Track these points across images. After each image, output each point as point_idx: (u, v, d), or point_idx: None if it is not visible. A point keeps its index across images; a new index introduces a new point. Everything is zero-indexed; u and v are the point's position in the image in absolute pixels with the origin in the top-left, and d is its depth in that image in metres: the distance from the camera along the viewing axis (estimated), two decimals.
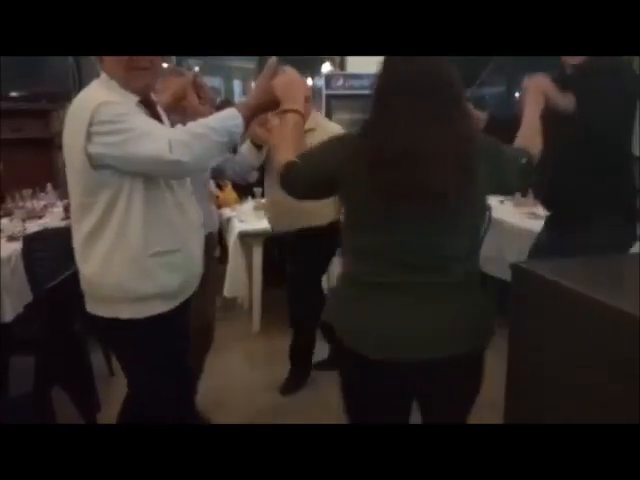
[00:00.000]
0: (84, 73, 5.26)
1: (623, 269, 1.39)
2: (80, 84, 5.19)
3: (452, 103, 1.25)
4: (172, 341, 1.51)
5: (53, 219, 3.57)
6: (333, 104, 5.08)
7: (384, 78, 1.27)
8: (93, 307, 1.47)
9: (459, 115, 1.25)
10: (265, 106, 1.40)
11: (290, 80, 1.38)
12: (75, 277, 2.20)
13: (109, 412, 2.38)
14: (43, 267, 2.48)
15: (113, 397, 2.57)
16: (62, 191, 4.41)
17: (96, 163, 1.31)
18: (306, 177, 1.32)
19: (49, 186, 4.31)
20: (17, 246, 2.68)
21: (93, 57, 1.48)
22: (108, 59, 1.39)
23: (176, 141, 1.28)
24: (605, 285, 1.22)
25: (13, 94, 4.63)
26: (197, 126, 1.34)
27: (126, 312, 1.41)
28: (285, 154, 1.33)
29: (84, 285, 1.47)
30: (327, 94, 5.28)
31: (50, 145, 5.11)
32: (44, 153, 5.06)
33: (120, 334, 1.46)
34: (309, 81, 6.28)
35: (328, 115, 5.40)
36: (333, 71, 5.54)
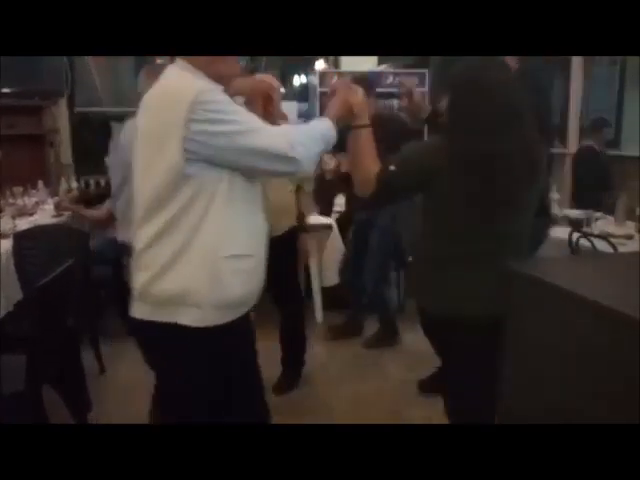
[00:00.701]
0: (77, 70, 5.22)
1: (618, 269, 1.39)
2: (73, 81, 5.15)
3: (525, 112, 1.46)
4: (225, 357, 1.39)
5: (44, 216, 3.54)
6: (327, 101, 5.06)
7: (462, 86, 1.49)
8: (145, 312, 1.33)
9: (530, 123, 1.46)
10: (343, 119, 1.48)
11: (362, 98, 1.50)
12: (67, 274, 2.20)
13: (100, 411, 2.37)
14: (34, 265, 2.46)
15: (104, 396, 2.55)
16: (53, 188, 4.38)
17: (190, 156, 1.23)
18: (407, 182, 1.51)
19: (40, 183, 4.27)
20: (7, 244, 2.65)
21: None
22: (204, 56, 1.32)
23: (295, 140, 1.28)
24: (603, 286, 1.22)
25: (6, 90, 4.59)
26: (310, 130, 1.36)
27: (186, 317, 1.28)
28: (374, 164, 1.50)
29: (138, 290, 1.33)
30: (321, 91, 5.28)
31: (42, 142, 5.07)
32: (36, 150, 5.02)
33: (171, 341, 1.32)
34: (303, 79, 6.28)
35: (322, 112, 5.38)
36: (327, 69, 5.54)
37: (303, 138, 1.30)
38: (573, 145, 5.30)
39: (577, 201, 3.72)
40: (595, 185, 3.86)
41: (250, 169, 1.31)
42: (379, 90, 4.44)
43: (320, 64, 5.69)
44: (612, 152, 4.38)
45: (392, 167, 1.49)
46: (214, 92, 1.26)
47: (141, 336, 1.37)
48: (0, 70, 4.12)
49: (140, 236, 1.33)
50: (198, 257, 1.27)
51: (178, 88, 1.27)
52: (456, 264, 1.50)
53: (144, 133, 1.31)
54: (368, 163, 1.51)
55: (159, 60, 2.51)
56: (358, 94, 1.49)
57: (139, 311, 1.34)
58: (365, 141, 1.51)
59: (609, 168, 4.24)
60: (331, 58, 5.58)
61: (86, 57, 5.35)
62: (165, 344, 1.34)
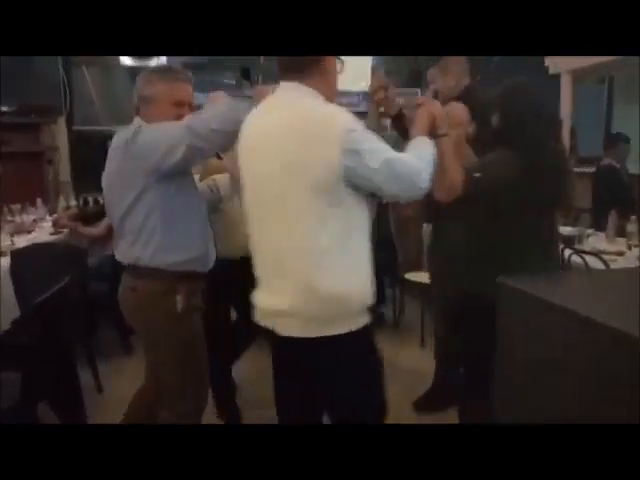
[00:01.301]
0: (75, 89, 5.29)
1: (602, 284, 1.43)
2: (72, 99, 5.21)
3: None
4: (375, 351, 1.53)
5: (42, 234, 3.56)
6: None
7: (526, 110, 1.75)
8: (323, 328, 1.36)
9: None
10: (428, 131, 1.53)
11: (442, 110, 1.59)
12: (64, 292, 2.20)
13: None
14: (31, 282, 2.47)
15: (101, 415, 2.54)
16: (52, 206, 4.41)
17: (344, 182, 1.30)
18: (490, 189, 1.70)
19: (39, 201, 4.30)
20: (5, 261, 2.67)
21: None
22: (326, 78, 1.39)
23: (421, 167, 1.37)
24: (588, 299, 1.25)
25: (3, 108, 4.64)
26: (425, 154, 1.42)
27: (359, 321, 1.39)
28: (458, 170, 1.62)
29: (317, 307, 1.35)
30: None
31: (41, 159, 5.10)
32: (35, 167, 5.06)
33: (346, 347, 1.39)
34: None
35: None
36: None
37: (425, 164, 1.39)
38: None
39: (596, 221, 3.47)
40: (616, 204, 3.53)
41: (385, 193, 1.38)
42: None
43: None
44: None
45: (477, 174, 1.64)
46: (356, 120, 1.33)
47: (305, 352, 1.40)
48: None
49: (311, 249, 1.33)
50: (364, 265, 1.38)
51: (321, 116, 1.31)
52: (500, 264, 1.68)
53: (285, 162, 1.31)
54: (454, 169, 1.60)
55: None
56: (439, 106, 1.58)
57: (303, 330, 1.37)
58: (448, 149, 1.58)
59: (630, 186, 4.02)
60: None
61: (85, 75, 5.43)
62: (337, 353, 1.39)
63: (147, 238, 1.69)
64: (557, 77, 4.54)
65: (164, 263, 1.69)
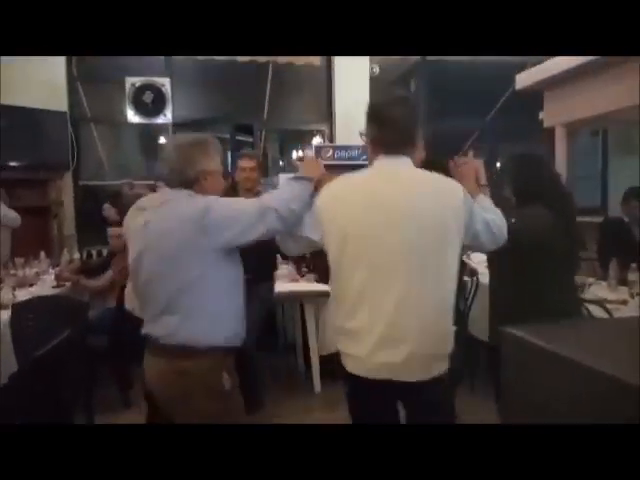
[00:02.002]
0: (82, 144, 5.44)
1: (605, 332, 1.43)
2: (79, 155, 5.35)
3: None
4: None
5: (44, 287, 3.56)
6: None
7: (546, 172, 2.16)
8: (432, 369, 1.49)
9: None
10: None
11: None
12: (63, 346, 2.17)
13: None
14: (31, 336, 2.45)
15: None
16: (55, 259, 4.43)
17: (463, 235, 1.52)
18: (523, 237, 1.92)
19: (42, 254, 4.33)
20: (5, 314, 2.65)
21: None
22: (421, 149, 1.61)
23: (502, 223, 1.61)
24: (589, 348, 1.24)
25: (12, 164, 4.75)
26: (494, 209, 1.64)
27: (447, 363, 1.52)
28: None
29: (438, 347, 1.49)
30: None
31: (47, 213, 5.18)
32: (41, 221, 5.13)
33: (444, 387, 1.54)
34: (301, 153, 6.54)
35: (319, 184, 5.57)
36: (323, 143, 5.78)
37: (501, 220, 1.61)
38: None
39: (602, 270, 3.45)
40: (622, 254, 3.42)
41: (480, 246, 1.63)
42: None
43: (317, 139, 5.98)
44: (599, 219, 4.47)
45: (513, 220, 1.83)
46: None
47: (413, 396, 1.50)
48: (7, 143, 4.26)
49: (442, 296, 1.50)
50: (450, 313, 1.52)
51: (446, 184, 1.54)
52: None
53: (427, 225, 1.47)
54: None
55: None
56: (479, 162, 1.82)
57: (418, 373, 1.47)
58: (488, 197, 1.78)
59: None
60: (326, 134, 5.86)
61: (92, 132, 5.60)
62: (441, 391, 1.53)
63: (207, 314, 1.57)
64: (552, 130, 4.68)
65: (219, 340, 1.58)
